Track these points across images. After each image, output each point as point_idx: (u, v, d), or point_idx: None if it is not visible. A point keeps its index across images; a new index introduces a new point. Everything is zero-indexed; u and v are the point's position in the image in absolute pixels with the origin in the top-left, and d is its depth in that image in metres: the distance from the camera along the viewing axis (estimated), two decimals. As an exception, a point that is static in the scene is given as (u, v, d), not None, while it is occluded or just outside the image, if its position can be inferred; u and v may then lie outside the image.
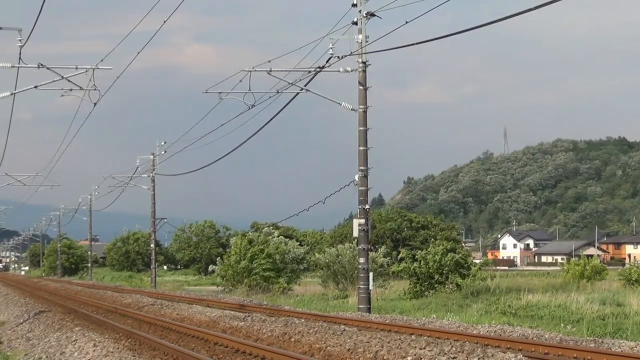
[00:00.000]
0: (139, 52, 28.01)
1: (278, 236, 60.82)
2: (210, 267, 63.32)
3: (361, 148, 30.57)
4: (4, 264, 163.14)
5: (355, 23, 29.91)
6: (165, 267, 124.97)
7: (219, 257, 61.44)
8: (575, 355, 16.91)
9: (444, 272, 41.05)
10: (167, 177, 67.09)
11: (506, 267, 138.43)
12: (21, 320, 30.19)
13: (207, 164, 44.87)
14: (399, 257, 45.01)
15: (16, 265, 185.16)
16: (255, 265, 52.06)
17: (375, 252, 48.84)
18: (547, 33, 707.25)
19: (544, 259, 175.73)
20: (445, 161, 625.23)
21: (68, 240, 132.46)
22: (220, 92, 34.00)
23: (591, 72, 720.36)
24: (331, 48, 30.17)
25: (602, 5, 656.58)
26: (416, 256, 42.44)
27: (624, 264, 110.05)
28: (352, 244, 47.86)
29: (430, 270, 40.83)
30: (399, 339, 18.00)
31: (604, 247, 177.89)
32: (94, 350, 18.40)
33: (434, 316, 28.40)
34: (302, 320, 24.20)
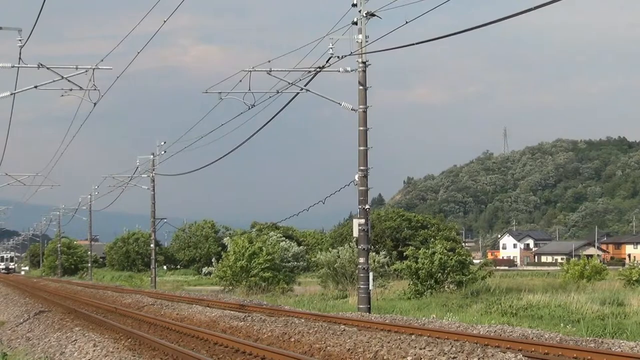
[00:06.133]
0: (139, 52, 28.04)
1: (276, 235, 60.74)
2: (206, 269, 63.04)
3: (361, 148, 30.56)
4: (14, 263, 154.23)
5: (355, 23, 29.90)
6: (165, 267, 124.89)
7: (214, 259, 61.34)
8: (575, 355, 16.91)
9: (446, 270, 41.08)
10: (167, 177, 67.19)
11: (506, 267, 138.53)
12: (21, 320, 30.18)
13: (207, 164, 44.91)
14: (405, 254, 44.99)
15: (16, 265, 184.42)
16: (254, 264, 51.97)
17: (377, 254, 48.83)
18: (548, 33, 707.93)
19: (544, 259, 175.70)
20: (445, 161, 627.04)
21: (67, 240, 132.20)
22: (220, 92, 34.02)
23: (591, 73, 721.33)
24: (331, 48, 30.17)
25: (603, 6, 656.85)
26: (419, 256, 42.38)
27: (624, 264, 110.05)
28: (352, 244, 47.86)
29: (433, 269, 40.84)
30: (399, 339, 17.99)
31: (604, 247, 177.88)
32: (94, 350, 18.40)
33: (434, 316, 28.39)
34: (302, 320, 24.20)
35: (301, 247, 66.31)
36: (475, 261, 50.78)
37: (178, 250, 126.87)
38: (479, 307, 32.09)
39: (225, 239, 60.05)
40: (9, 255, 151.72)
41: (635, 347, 17.94)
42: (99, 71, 27.93)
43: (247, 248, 52.80)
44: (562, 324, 25.48)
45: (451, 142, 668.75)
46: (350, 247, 47.92)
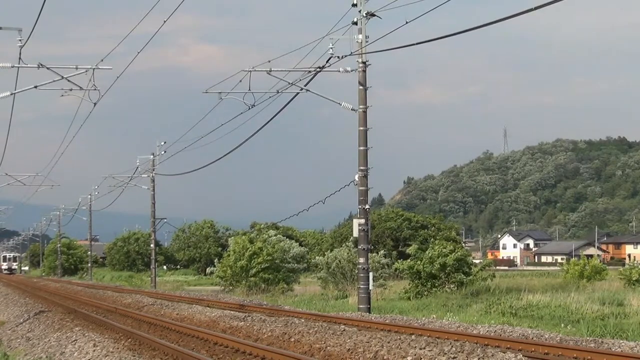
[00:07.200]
0: (139, 52, 28.07)
1: (275, 235, 60.56)
2: (209, 269, 63.10)
3: (361, 148, 30.56)
4: (16, 263, 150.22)
5: (355, 23, 29.91)
6: (165, 267, 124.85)
7: (217, 259, 61.35)
8: (575, 355, 16.91)
9: (447, 270, 41.08)
10: (167, 177, 67.21)
11: (506, 267, 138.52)
12: (21, 320, 30.18)
13: (207, 163, 44.91)
14: (407, 251, 44.94)
15: (18, 265, 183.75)
16: (253, 264, 51.90)
17: (376, 254, 48.81)
18: (548, 34, 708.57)
19: (544, 259, 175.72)
20: (445, 161, 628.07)
21: (67, 240, 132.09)
22: (220, 92, 34.04)
23: (591, 73, 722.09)
24: (331, 48, 30.19)
25: (603, 6, 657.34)
26: (420, 258, 42.40)
27: (624, 264, 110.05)
28: (349, 243, 47.85)
29: (434, 271, 40.83)
30: (399, 339, 17.99)
31: (604, 247, 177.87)
32: (94, 350, 18.40)
33: (434, 316, 28.39)
34: (302, 320, 24.20)
35: (302, 247, 66.07)
36: (475, 261, 50.65)
37: (178, 250, 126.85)
38: (479, 307, 32.08)
39: (230, 239, 59.90)
40: (11, 255, 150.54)
41: (635, 347, 17.94)
42: (99, 71, 27.97)
43: (248, 248, 52.75)
44: (562, 324, 25.48)
45: (451, 142, 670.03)
46: (347, 246, 47.91)
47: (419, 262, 41.77)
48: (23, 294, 50.46)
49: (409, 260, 43.46)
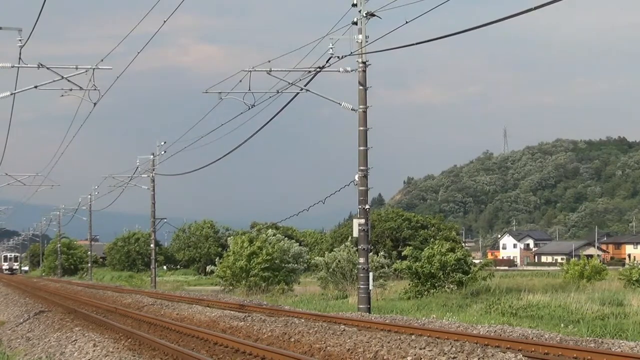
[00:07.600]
0: (139, 52, 28.08)
1: (274, 235, 60.44)
2: (209, 268, 63.15)
3: (361, 148, 30.57)
4: (18, 263, 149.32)
5: (355, 23, 29.92)
6: (165, 267, 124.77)
7: (217, 257, 61.27)
8: (575, 355, 16.91)
9: (447, 270, 41.05)
10: (167, 177, 67.26)
11: (506, 267, 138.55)
12: (21, 320, 30.19)
13: (207, 164, 44.92)
14: (403, 254, 44.84)
15: (19, 265, 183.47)
16: (253, 264, 51.85)
17: (376, 255, 48.74)
18: (548, 34, 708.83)
19: (543, 259, 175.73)
20: (445, 161, 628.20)
21: (67, 240, 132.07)
22: (220, 92, 34.05)
23: (592, 73, 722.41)
24: (331, 48, 30.20)
25: (603, 6, 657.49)
26: (419, 256, 42.36)
27: (624, 264, 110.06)
28: (348, 243, 47.79)
29: (433, 270, 40.81)
30: (399, 339, 17.99)
31: (604, 247, 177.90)
32: (94, 350, 18.40)
33: (434, 316, 28.39)
34: (302, 320, 24.21)
35: (300, 247, 65.88)
36: (475, 261, 50.59)
37: (178, 250, 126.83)
38: (479, 307, 32.07)
39: (230, 239, 59.84)
40: (12, 255, 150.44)
41: (635, 347, 17.94)
42: (99, 71, 27.98)
43: (246, 248, 52.66)
44: (562, 324, 25.47)
45: (451, 142, 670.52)
46: (346, 246, 47.88)
47: (417, 262, 41.75)
48: (23, 294, 50.46)
49: (406, 260, 43.44)
